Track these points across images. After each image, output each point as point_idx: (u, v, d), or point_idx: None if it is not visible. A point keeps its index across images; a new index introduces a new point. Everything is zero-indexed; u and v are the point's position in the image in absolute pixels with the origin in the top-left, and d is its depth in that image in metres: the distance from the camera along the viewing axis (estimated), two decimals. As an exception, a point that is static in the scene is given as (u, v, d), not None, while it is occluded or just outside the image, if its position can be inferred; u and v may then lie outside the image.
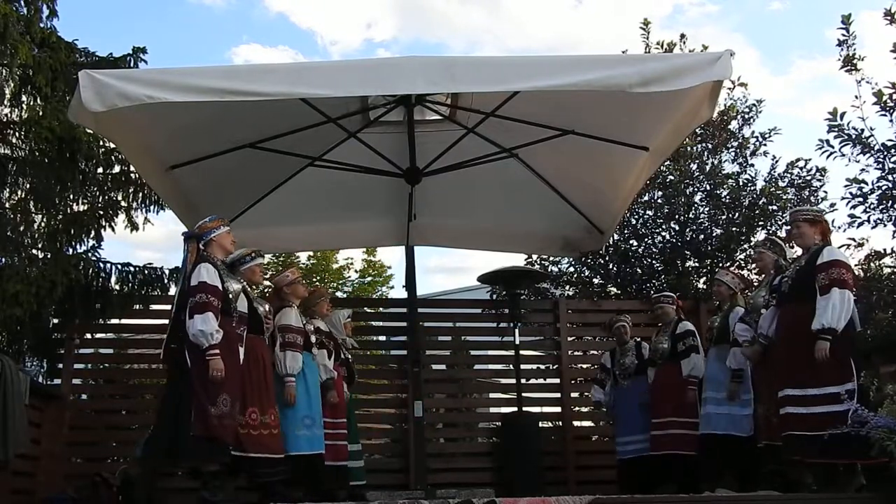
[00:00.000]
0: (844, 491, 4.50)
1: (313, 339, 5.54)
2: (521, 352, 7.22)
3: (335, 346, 5.84)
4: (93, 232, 7.03)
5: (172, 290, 8.24)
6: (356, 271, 16.40)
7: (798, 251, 5.13)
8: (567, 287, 9.39)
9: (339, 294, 15.82)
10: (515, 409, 7.23)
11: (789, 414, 4.63)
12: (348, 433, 5.87)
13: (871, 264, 6.67)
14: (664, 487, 5.89)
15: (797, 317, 4.75)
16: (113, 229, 7.20)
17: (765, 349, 5.12)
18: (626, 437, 6.45)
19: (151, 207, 9.29)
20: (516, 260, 9.16)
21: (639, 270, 8.88)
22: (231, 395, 4.54)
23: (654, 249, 8.84)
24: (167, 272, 8.95)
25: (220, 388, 4.47)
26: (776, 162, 8.64)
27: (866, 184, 6.31)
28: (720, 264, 8.21)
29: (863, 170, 6.30)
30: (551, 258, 9.22)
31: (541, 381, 7.85)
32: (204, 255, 4.72)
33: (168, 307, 5.90)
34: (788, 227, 5.42)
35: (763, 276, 5.65)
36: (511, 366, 7.25)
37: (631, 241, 8.96)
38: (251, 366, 4.85)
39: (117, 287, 6.92)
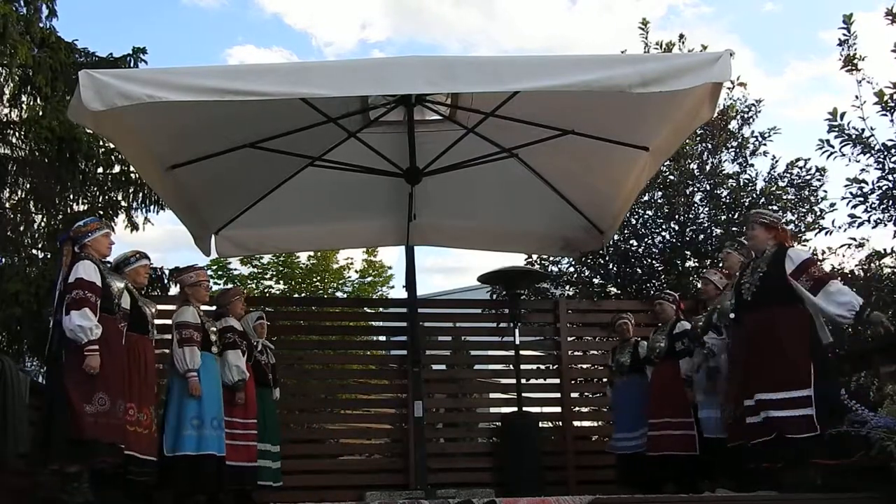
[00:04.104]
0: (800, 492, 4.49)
1: (213, 337, 5.51)
2: (521, 352, 7.22)
3: (248, 347, 5.83)
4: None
5: (173, 290, 8.26)
6: (356, 271, 16.42)
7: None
8: (567, 287, 9.39)
9: (339, 294, 15.86)
10: (515, 409, 7.23)
11: (765, 417, 4.60)
12: (265, 434, 5.87)
13: (871, 264, 6.66)
14: (666, 488, 5.89)
15: (764, 322, 4.75)
16: (113, 229, 7.18)
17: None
18: (620, 433, 6.49)
19: (151, 207, 9.33)
20: (516, 260, 9.18)
21: (639, 270, 8.89)
22: (110, 392, 4.49)
23: (654, 249, 8.84)
24: (167, 272, 8.98)
25: (96, 387, 4.42)
26: (776, 162, 8.64)
27: (867, 184, 6.31)
28: (720, 264, 8.20)
29: (863, 170, 6.30)
30: (551, 258, 9.22)
31: (541, 381, 7.85)
32: (81, 255, 4.66)
33: (170, 307, 5.91)
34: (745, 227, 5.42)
35: (731, 277, 5.65)
36: (511, 366, 7.26)
37: (631, 241, 8.96)
38: (131, 363, 4.83)
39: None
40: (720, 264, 6.26)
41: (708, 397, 5.71)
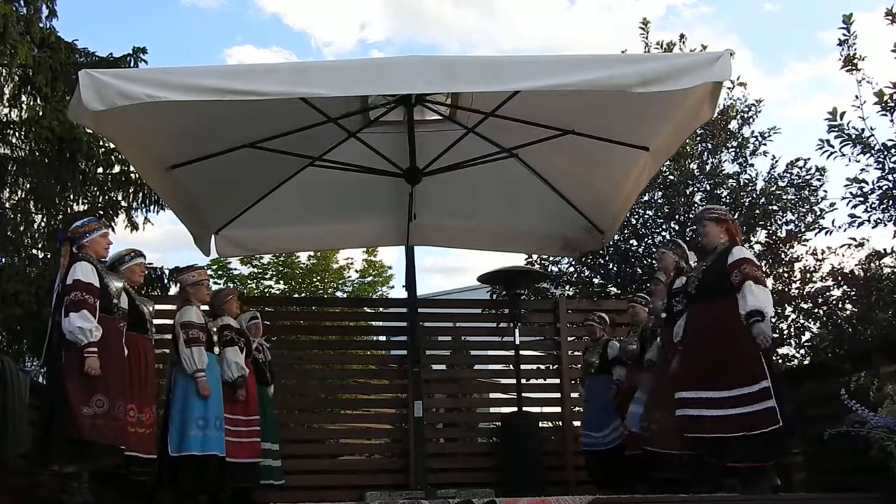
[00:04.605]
0: (759, 492, 4.49)
1: (215, 337, 5.52)
2: (521, 352, 7.22)
3: (246, 344, 5.84)
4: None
5: (173, 290, 8.27)
6: (356, 271, 16.41)
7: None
8: (567, 287, 9.39)
9: (339, 294, 15.85)
10: (515, 409, 7.23)
11: (703, 417, 4.59)
12: (265, 432, 5.88)
13: (871, 264, 6.66)
14: (639, 487, 5.87)
15: (704, 317, 4.77)
16: (113, 229, 7.18)
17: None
18: (586, 430, 6.59)
19: (151, 207, 9.34)
20: (516, 260, 9.18)
21: (639, 270, 8.89)
22: (110, 394, 4.48)
23: (654, 249, 8.84)
24: (167, 272, 8.98)
25: (95, 388, 4.41)
26: (776, 162, 8.64)
27: (867, 183, 6.30)
28: (655, 264, 8.21)
29: (863, 170, 6.29)
30: (551, 258, 9.22)
31: (541, 381, 7.86)
32: (79, 255, 4.66)
33: (170, 307, 5.91)
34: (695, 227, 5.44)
35: (664, 278, 5.68)
36: (511, 366, 7.25)
37: (631, 241, 8.96)
38: (131, 363, 4.82)
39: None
40: (655, 265, 6.27)
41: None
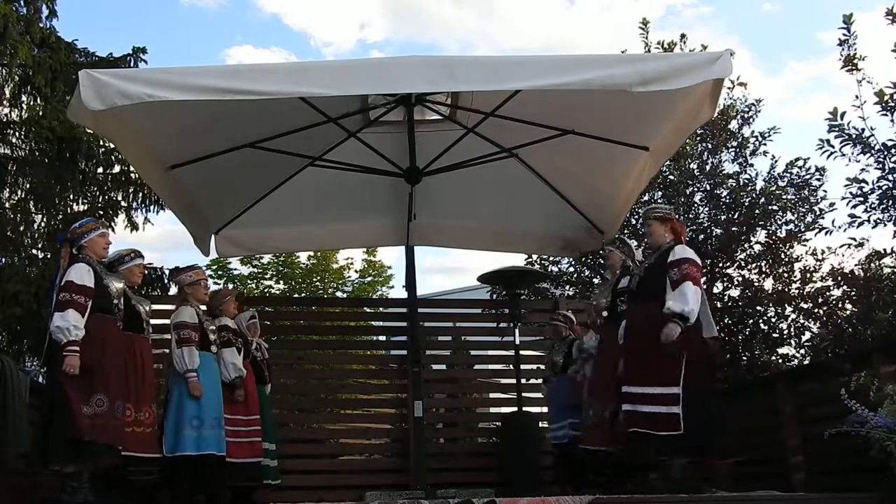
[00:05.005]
0: (686, 492, 4.49)
1: (212, 336, 5.50)
2: (521, 352, 7.21)
3: (244, 344, 5.84)
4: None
5: (173, 290, 8.26)
6: (356, 271, 16.42)
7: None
8: (567, 287, 9.39)
9: (339, 294, 15.85)
10: (515, 409, 7.23)
11: (636, 412, 4.62)
12: (264, 432, 5.87)
13: (871, 264, 6.66)
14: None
15: (643, 315, 4.78)
16: (113, 229, 7.18)
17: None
18: (552, 423, 6.63)
19: (151, 207, 9.35)
20: (516, 260, 9.17)
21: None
22: (110, 393, 4.48)
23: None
24: (167, 272, 8.99)
25: (95, 388, 4.41)
26: (776, 162, 8.64)
27: (867, 183, 6.30)
28: (721, 264, 8.21)
29: (863, 170, 6.29)
30: (551, 258, 9.21)
31: (541, 381, 7.85)
32: (78, 256, 4.67)
33: (170, 307, 5.91)
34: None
35: (611, 276, 5.70)
36: (511, 366, 7.25)
37: (631, 242, 8.94)
38: (128, 363, 4.82)
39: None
40: (602, 262, 6.28)
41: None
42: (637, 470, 4.96)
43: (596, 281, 9.22)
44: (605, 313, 5.47)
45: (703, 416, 4.49)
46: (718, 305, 8.15)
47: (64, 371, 4.37)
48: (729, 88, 8.82)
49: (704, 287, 5.10)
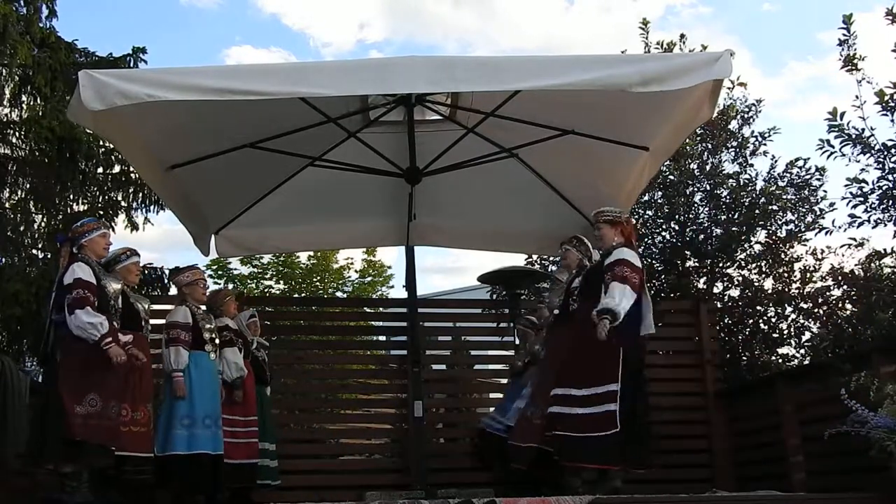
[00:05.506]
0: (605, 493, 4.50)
1: (207, 336, 5.49)
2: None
3: (244, 344, 5.84)
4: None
5: (173, 290, 8.26)
6: (356, 271, 16.43)
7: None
8: (567, 287, 9.36)
9: (339, 294, 15.86)
10: (515, 409, 7.21)
11: (562, 414, 4.63)
12: (263, 432, 5.87)
13: (871, 264, 6.66)
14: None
15: (578, 317, 4.80)
16: (113, 229, 7.17)
17: None
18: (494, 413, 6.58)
19: (151, 207, 9.35)
20: (516, 260, 9.15)
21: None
22: (103, 393, 4.48)
23: (654, 249, 8.83)
24: (167, 272, 8.99)
25: (89, 388, 4.41)
26: (775, 162, 8.63)
27: (867, 183, 6.30)
28: (721, 264, 8.19)
29: (863, 170, 6.29)
30: (551, 258, 9.20)
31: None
32: (78, 256, 4.67)
33: (169, 307, 5.91)
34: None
35: (565, 276, 5.68)
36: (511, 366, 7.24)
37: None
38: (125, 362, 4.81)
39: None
40: (559, 261, 6.27)
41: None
42: (554, 471, 4.90)
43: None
44: (556, 311, 5.45)
45: (629, 420, 4.49)
46: (718, 305, 8.16)
47: (62, 370, 4.37)
48: (729, 88, 8.82)
49: (649, 287, 5.12)
